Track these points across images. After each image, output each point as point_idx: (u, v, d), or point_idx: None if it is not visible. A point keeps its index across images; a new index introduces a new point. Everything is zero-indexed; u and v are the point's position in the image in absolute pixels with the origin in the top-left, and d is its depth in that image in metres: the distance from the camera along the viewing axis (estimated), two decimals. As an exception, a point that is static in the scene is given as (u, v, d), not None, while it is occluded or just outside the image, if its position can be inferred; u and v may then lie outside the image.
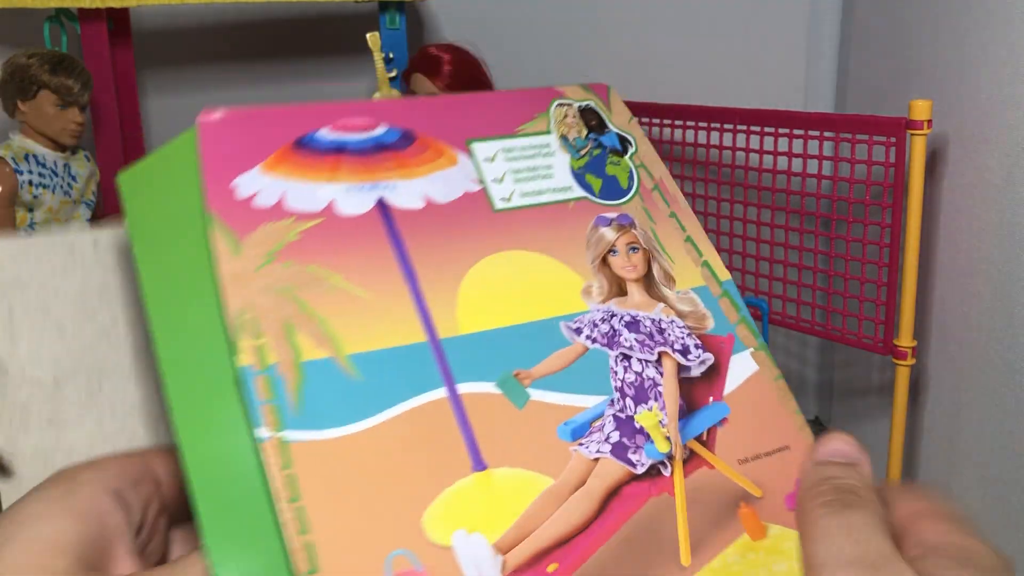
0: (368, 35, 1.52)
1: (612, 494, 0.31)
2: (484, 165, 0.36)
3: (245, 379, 0.28)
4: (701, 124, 1.49)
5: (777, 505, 0.32)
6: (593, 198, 0.37)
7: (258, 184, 0.32)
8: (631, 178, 0.38)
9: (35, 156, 1.34)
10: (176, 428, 0.28)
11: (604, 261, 0.36)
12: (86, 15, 1.42)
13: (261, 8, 1.74)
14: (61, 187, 1.36)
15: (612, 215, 0.37)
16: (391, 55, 1.55)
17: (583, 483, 0.31)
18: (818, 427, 1.88)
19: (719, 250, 1.60)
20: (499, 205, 0.35)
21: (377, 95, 1.55)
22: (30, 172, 1.33)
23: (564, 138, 0.38)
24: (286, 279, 0.30)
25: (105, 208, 1.48)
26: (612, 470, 0.32)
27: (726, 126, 1.45)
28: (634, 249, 0.36)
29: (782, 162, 1.39)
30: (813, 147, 1.35)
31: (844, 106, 1.75)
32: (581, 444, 0.32)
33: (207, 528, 0.26)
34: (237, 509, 0.27)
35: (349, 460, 0.28)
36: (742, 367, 0.35)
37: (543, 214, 0.36)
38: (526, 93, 0.39)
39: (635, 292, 0.36)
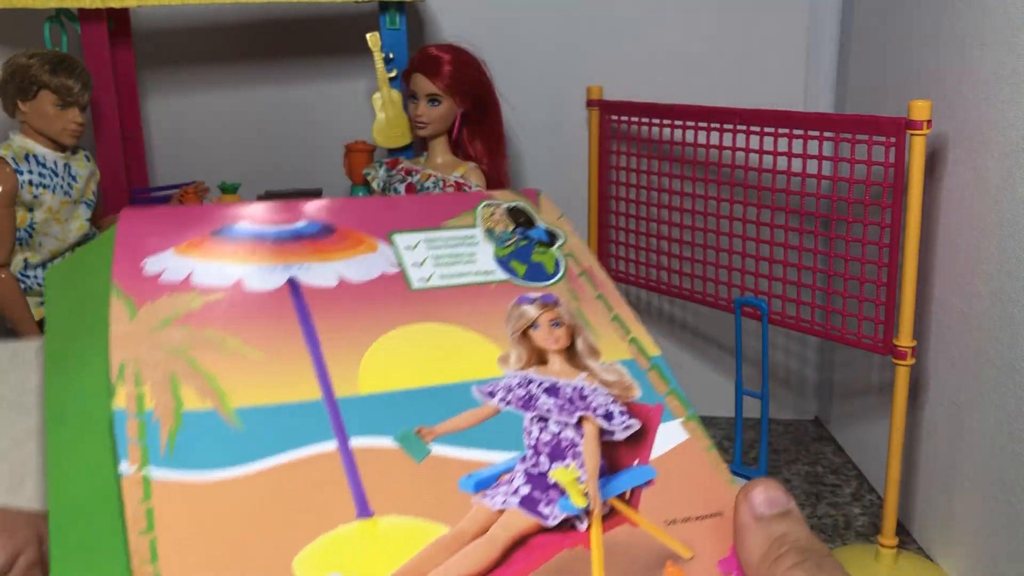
0: (368, 35, 1.52)
1: (518, 544, 0.28)
2: (405, 252, 0.35)
3: (117, 421, 0.27)
4: (701, 124, 1.49)
5: (709, 568, 0.30)
6: (516, 280, 0.36)
7: (168, 263, 0.32)
8: (557, 264, 0.37)
9: (35, 156, 1.34)
10: (47, 473, 0.27)
11: (524, 334, 0.34)
12: (86, 15, 1.42)
13: (261, 8, 1.74)
14: (61, 187, 1.36)
15: (535, 295, 0.36)
16: (391, 55, 1.55)
17: (484, 533, 0.28)
18: (818, 427, 1.88)
19: (719, 250, 1.59)
20: (416, 285, 0.34)
21: (377, 95, 1.55)
22: (30, 172, 1.33)
23: (490, 231, 0.37)
24: (179, 340, 0.30)
25: (105, 208, 1.48)
26: (519, 521, 0.29)
27: (726, 126, 1.45)
28: (557, 324, 0.35)
29: (782, 162, 1.39)
30: (813, 147, 1.35)
31: (844, 106, 1.75)
32: (485, 496, 0.29)
33: (54, 559, 0.26)
34: (89, 542, 0.26)
35: (217, 500, 0.27)
36: (671, 435, 0.33)
37: (463, 292, 0.35)
38: (454, 195, 0.39)
39: (556, 362, 0.34)
